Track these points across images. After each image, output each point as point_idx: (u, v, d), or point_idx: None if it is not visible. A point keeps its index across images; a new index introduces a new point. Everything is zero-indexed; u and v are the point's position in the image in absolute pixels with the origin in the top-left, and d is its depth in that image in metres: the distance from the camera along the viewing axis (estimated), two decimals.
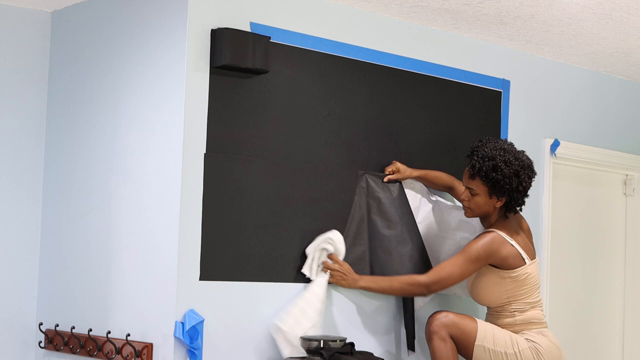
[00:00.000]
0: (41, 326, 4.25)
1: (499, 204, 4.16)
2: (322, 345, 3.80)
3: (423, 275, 4.09)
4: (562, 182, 5.24)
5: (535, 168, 4.72)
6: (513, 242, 4.12)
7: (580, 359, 5.32)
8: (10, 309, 4.29)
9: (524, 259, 4.13)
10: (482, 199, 4.15)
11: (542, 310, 4.22)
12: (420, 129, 4.45)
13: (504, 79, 4.83)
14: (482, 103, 4.73)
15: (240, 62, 3.75)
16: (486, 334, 4.05)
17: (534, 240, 4.45)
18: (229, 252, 3.80)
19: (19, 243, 4.32)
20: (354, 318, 4.18)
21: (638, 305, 5.64)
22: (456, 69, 4.61)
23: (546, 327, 4.20)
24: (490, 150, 4.12)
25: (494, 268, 4.13)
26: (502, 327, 4.14)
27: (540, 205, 4.98)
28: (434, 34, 4.56)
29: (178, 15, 3.75)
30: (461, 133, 4.62)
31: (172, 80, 3.76)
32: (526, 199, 4.22)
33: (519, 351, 4.04)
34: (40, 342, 4.26)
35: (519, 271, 4.12)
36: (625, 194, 5.69)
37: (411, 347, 4.28)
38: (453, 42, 4.64)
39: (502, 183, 4.10)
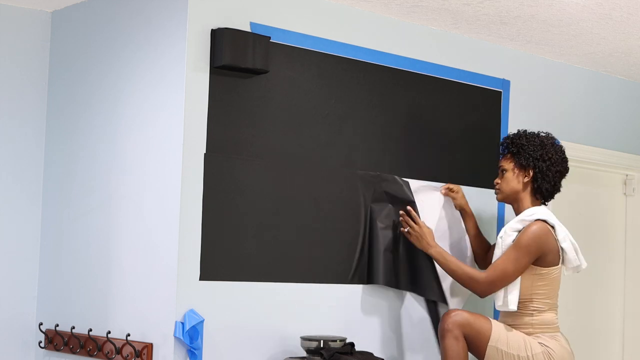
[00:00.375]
0: (41, 326, 4.24)
1: (527, 179, 4.20)
2: (322, 345, 3.80)
3: (482, 273, 4.10)
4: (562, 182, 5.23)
5: None
6: (557, 237, 4.11)
7: (580, 359, 5.32)
8: (10, 309, 4.29)
9: (559, 258, 4.13)
10: (510, 175, 4.23)
11: (557, 314, 4.20)
12: (420, 129, 4.45)
13: (504, 79, 4.83)
14: (482, 103, 4.73)
15: (240, 62, 3.75)
16: (500, 335, 4.03)
17: None
18: (229, 252, 3.80)
19: (19, 243, 4.32)
20: (354, 318, 4.18)
21: (638, 305, 5.64)
22: (456, 69, 4.61)
23: (559, 330, 4.18)
24: (522, 130, 4.33)
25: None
26: (518, 327, 4.12)
27: None
28: (434, 34, 4.56)
29: (178, 15, 3.75)
30: (461, 133, 4.62)
31: (172, 80, 3.76)
32: (557, 192, 4.28)
33: (532, 355, 4.01)
34: (40, 342, 4.26)
35: (552, 270, 4.11)
36: (625, 194, 5.69)
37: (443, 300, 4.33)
38: (453, 42, 4.64)
39: (527, 148, 4.18)
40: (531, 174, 4.21)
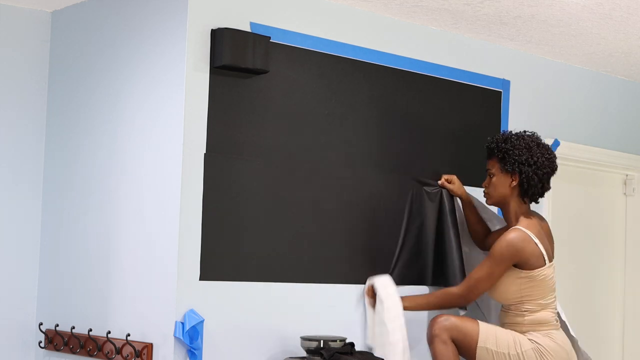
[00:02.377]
0: (41, 326, 4.25)
1: (513, 183, 4.18)
2: (322, 345, 3.80)
3: (455, 287, 4.15)
4: (562, 182, 5.24)
5: None
6: (537, 241, 4.11)
7: None
8: (10, 309, 4.29)
9: (544, 260, 4.12)
10: (498, 179, 4.21)
11: (553, 312, 4.19)
12: (420, 129, 4.45)
13: (504, 79, 4.83)
14: (482, 103, 4.73)
15: (240, 62, 3.75)
16: (488, 335, 4.04)
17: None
18: (229, 252, 3.80)
19: (19, 243, 4.32)
20: (354, 318, 4.18)
21: (638, 305, 5.64)
22: (456, 69, 4.61)
23: (556, 328, 4.17)
24: (508, 132, 4.28)
25: (512, 267, 4.11)
26: (509, 325, 4.14)
27: (540, 205, 4.97)
28: (434, 34, 4.56)
29: (178, 15, 3.75)
30: (461, 133, 4.62)
31: (172, 80, 3.76)
32: (546, 191, 4.25)
33: (522, 352, 4.03)
34: (40, 342, 4.26)
35: (537, 272, 4.10)
36: (625, 194, 5.69)
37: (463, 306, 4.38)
38: (453, 42, 4.64)
39: (512, 153, 4.14)
40: (517, 179, 4.19)
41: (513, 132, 4.26)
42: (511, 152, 4.15)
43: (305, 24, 4.07)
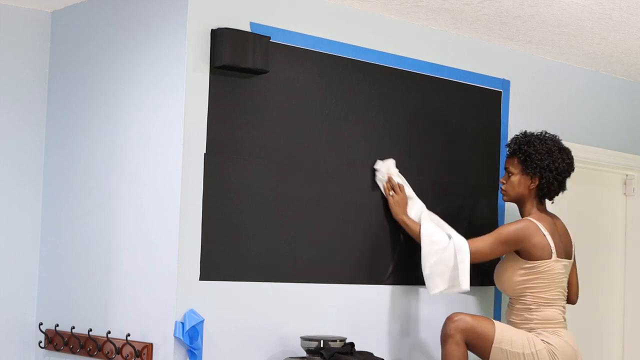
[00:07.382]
0: (41, 326, 4.25)
1: (532, 186, 4.29)
2: (322, 345, 3.80)
3: (468, 242, 4.19)
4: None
5: None
6: (546, 233, 4.18)
7: None
8: (10, 309, 4.29)
9: (551, 253, 4.17)
10: (517, 178, 4.31)
11: (560, 310, 4.24)
12: (420, 129, 4.45)
13: (504, 79, 4.83)
14: (482, 103, 4.73)
15: (240, 62, 3.75)
16: (504, 335, 4.08)
17: None
18: (229, 252, 3.80)
19: (19, 243, 4.32)
20: (354, 318, 4.18)
21: (638, 305, 5.64)
22: (456, 69, 4.61)
23: (563, 327, 4.22)
24: (530, 133, 4.36)
25: (515, 255, 4.21)
26: (518, 323, 4.19)
27: None
28: (434, 34, 4.56)
29: (178, 15, 3.75)
30: (461, 133, 4.62)
31: (172, 80, 3.76)
32: (562, 192, 4.36)
33: (536, 352, 4.08)
34: (40, 342, 4.26)
35: (542, 263, 4.16)
36: (625, 194, 5.69)
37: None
38: (453, 42, 4.64)
39: (534, 157, 4.24)
40: (537, 182, 4.30)
41: (535, 134, 4.34)
42: (533, 155, 4.26)
43: (305, 24, 4.07)
